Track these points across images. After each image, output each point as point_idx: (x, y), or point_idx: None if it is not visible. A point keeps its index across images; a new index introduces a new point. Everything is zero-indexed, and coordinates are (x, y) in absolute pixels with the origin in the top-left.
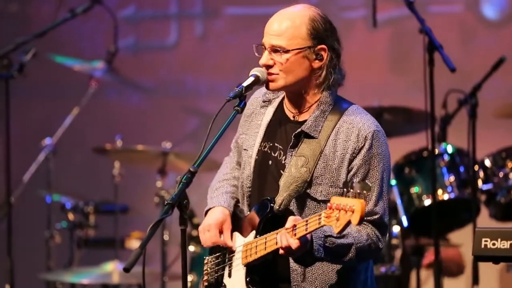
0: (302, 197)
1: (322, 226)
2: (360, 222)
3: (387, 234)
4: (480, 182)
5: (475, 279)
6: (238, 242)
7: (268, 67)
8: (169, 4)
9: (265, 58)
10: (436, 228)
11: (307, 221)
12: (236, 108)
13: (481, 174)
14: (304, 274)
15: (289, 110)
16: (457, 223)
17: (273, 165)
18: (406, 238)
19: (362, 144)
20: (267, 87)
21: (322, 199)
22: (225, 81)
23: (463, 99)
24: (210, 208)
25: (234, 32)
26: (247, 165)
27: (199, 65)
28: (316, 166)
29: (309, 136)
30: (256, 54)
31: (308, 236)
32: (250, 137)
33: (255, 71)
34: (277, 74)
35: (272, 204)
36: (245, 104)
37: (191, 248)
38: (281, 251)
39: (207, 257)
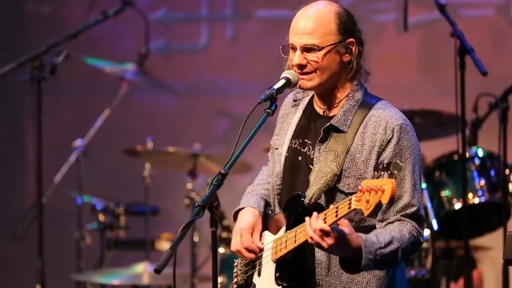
0: (331, 191)
1: (353, 210)
2: (390, 202)
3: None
4: (510, 186)
5: (506, 284)
6: (268, 240)
7: (301, 67)
8: (200, 6)
9: (299, 58)
10: (466, 232)
11: (337, 207)
12: (267, 110)
13: None
14: (329, 268)
15: (319, 107)
16: (488, 227)
17: (303, 161)
18: (436, 242)
19: (390, 137)
20: (301, 87)
21: (350, 191)
22: (256, 83)
23: (494, 103)
24: (239, 210)
25: (264, 35)
26: (277, 163)
27: (230, 67)
28: (344, 160)
29: (338, 130)
30: (283, 55)
31: (345, 230)
32: (281, 137)
33: (286, 73)
34: (312, 72)
35: (303, 198)
36: (276, 107)
37: (221, 250)
38: (310, 240)
39: (236, 260)
